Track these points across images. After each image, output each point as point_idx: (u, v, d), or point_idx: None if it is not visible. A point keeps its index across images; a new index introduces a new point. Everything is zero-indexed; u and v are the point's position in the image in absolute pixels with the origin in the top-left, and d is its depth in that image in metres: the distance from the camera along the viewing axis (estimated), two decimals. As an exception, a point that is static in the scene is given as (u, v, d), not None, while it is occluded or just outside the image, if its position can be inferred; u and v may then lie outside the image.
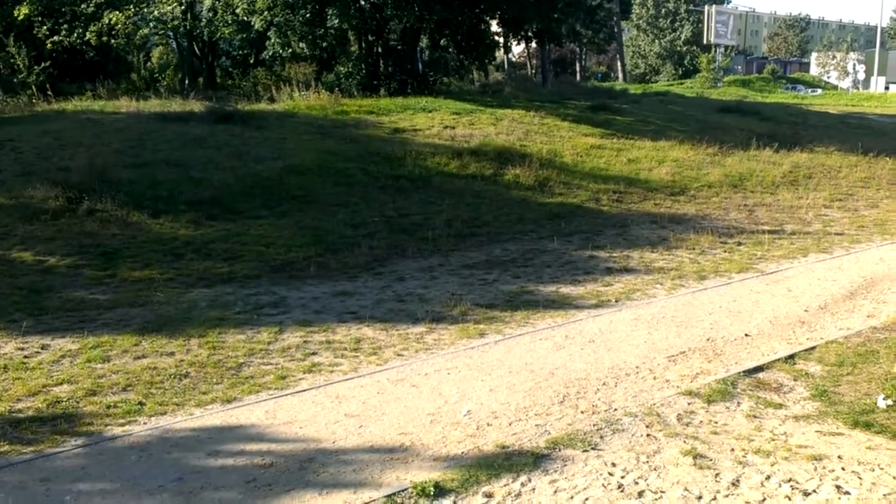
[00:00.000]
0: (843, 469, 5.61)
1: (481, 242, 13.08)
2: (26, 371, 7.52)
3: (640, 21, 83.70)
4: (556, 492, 5.34)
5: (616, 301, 10.00)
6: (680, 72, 77.72)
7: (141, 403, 6.79)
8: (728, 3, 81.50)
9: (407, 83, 26.22)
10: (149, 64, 42.20)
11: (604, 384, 7.25)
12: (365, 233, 13.07)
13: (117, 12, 31.46)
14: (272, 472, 5.65)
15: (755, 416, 6.49)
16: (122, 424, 6.41)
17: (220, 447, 6.02)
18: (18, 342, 8.26)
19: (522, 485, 5.41)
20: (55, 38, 32.24)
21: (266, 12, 23.88)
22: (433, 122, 20.93)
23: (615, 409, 6.65)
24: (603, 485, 5.42)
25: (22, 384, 7.18)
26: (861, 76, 79.48)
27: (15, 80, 27.70)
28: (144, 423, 6.44)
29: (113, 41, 32.94)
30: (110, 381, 7.26)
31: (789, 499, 5.25)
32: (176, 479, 5.54)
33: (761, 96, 54.30)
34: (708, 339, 8.53)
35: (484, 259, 12.10)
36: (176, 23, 31.90)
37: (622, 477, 5.51)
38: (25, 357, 7.89)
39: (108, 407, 6.71)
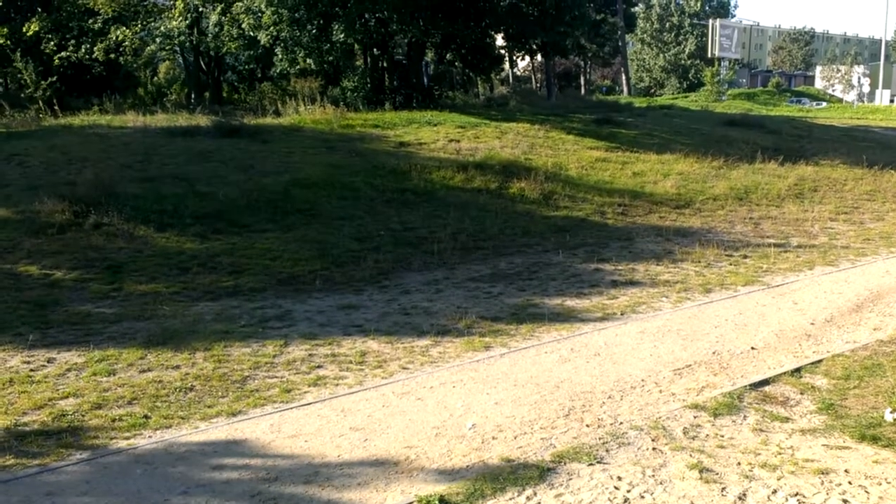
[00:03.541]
0: (850, 483, 5.58)
1: (486, 255, 13.09)
2: (32, 384, 7.53)
3: (645, 35, 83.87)
4: (561, 506, 5.32)
5: (621, 314, 9.98)
6: (684, 85, 77.79)
7: (146, 417, 6.79)
8: (732, 17, 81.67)
9: (412, 97, 26.32)
10: (155, 79, 42.46)
11: (609, 397, 7.24)
12: (370, 246, 13.09)
13: (124, 28, 31.64)
14: (277, 485, 5.64)
15: (761, 430, 6.47)
16: (128, 438, 6.42)
17: (225, 461, 6.02)
18: (24, 356, 8.28)
19: (528, 499, 5.40)
20: (63, 53, 32.43)
21: (272, 27, 24.02)
22: (438, 135, 20.98)
23: (621, 423, 6.63)
24: (609, 499, 5.40)
25: (27, 397, 7.20)
26: (866, 89, 79.50)
27: (22, 94, 27.86)
28: (150, 437, 6.44)
29: (120, 58, 33.11)
30: (116, 395, 7.27)
31: (796, 513, 5.23)
32: (181, 493, 5.54)
33: (766, 109, 54.31)
34: (714, 353, 8.51)
35: (489, 272, 12.11)
36: (182, 38, 32.07)
37: (628, 491, 5.49)
38: (31, 370, 7.90)
39: (114, 420, 6.72)
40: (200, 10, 30.33)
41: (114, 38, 31.59)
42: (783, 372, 7.82)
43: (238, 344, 8.68)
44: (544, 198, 16.86)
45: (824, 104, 69.41)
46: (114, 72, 36.17)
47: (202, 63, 36.27)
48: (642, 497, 5.41)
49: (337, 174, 16.72)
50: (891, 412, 6.64)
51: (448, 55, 29.41)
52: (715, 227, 15.73)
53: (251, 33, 25.35)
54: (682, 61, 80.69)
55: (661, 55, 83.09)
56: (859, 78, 79.32)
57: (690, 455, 5.99)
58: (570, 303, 10.50)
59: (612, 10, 56.45)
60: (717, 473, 5.71)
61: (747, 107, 53.43)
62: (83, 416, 6.83)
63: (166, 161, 16.61)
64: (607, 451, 6.10)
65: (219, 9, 27.81)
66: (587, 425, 6.60)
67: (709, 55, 66.76)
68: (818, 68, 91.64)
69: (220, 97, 35.53)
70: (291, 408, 7.04)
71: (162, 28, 31.82)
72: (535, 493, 5.46)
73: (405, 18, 24.08)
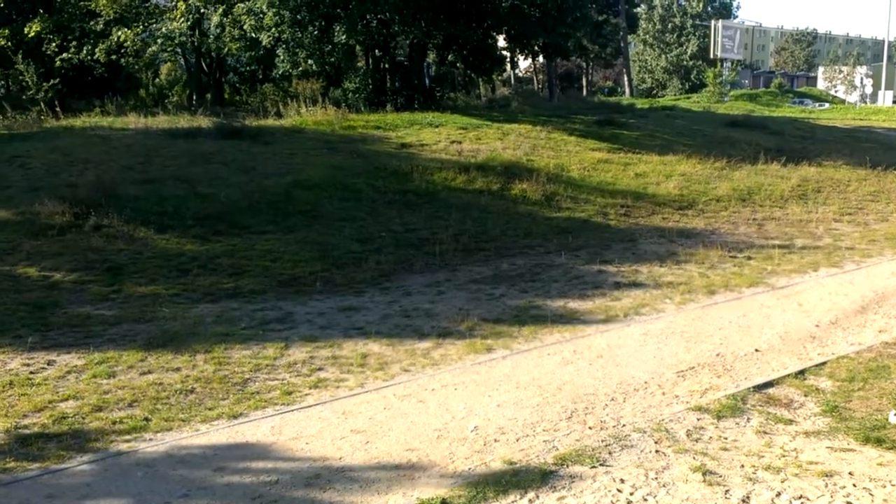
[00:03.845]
0: (854, 485, 5.54)
1: (488, 257, 13.05)
2: (32, 387, 7.51)
3: (647, 36, 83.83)
4: (564, 509, 5.29)
5: (624, 316, 9.95)
6: (686, 86, 77.70)
7: (147, 419, 6.77)
8: (734, 18, 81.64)
9: (414, 98, 26.29)
10: (157, 80, 42.41)
11: (612, 399, 7.20)
12: (372, 248, 13.06)
13: (126, 29, 31.62)
14: (278, 488, 5.61)
15: (765, 432, 6.43)
16: (128, 440, 6.39)
17: (225, 463, 5.99)
18: (24, 358, 8.26)
19: (530, 501, 5.37)
20: (64, 55, 32.42)
21: (274, 29, 24.00)
22: (440, 136, 20.97)
23: (624, 425, 6.60)
24: (611, 501, 5.36)
25: (28, 400, 7.17)
26: (868, 90, 79.35)
27: (24, 96, 27.86)
28: (150, 439, 6.42)
29: (122, 59, 33.12)
30: (116, 397, 7.24)
31: (801, 516, 5.19)
32: (182, 496, 5.51)
33: (768, 110, 54.23)
34: (717, 354, 8.47)
35: (491, 274, 12.07)
36: (183, 39, 32.04)
37: (631, 493, 5.46)
38: (31, 373, 7.88)
39: (114, 423, 6.70)
40: (202, 11, 30.31)
41: (115, 39, 31.58)
42: (787, 374, 7.79)
43: (238, 346, 8.66)
44: (546, 199, 16.83)
45: (827, 105, 69.29)
46: (115, 73, 36.16)
47: (203, 64, 36.25)
48: (645, 500, 5.38)
49: (338, 175, 16.70)
50: (895, 414, 6.60)
51: (450, 56, 29.39)
52: (718, 229, 15.69)
53: (253, 35, 25.34)
54: (685, 62, 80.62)
55: (664, 56, 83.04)
56: (862, 79, 79.19)
57: (694, 457, 5.96)
58: (573, 304, 10.46)
59: (614, 10, 56.46)
60: (721, 476, 5.68)
61: (750, 108, 53.42)
62: (83, 418, 6.80)
63: (167, 163, 16.60)
64: (610, 453, 6.07)
65: (220, 10, 27.78)
66: (590, 427, 6.56)
67: (711, 56, 66.74)
68: (821, 69, 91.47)
69: (221, 99, 35.48)
70: (292, 410, 7.01)
71: (163, 29, 31.78)
72: (538, 496, 5.42)
73: (407, 20, 24.06)
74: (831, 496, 5.41)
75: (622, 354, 8.48)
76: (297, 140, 19.80)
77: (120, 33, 31.44)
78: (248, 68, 37.89)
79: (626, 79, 66.41)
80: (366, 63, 28.99)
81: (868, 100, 76.10)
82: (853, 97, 76.14)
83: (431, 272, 12.13)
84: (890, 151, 26.96)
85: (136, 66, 35.67)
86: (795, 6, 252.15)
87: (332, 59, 25.71)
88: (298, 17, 23.58)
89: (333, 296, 10.80)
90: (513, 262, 12.82)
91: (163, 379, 7.71)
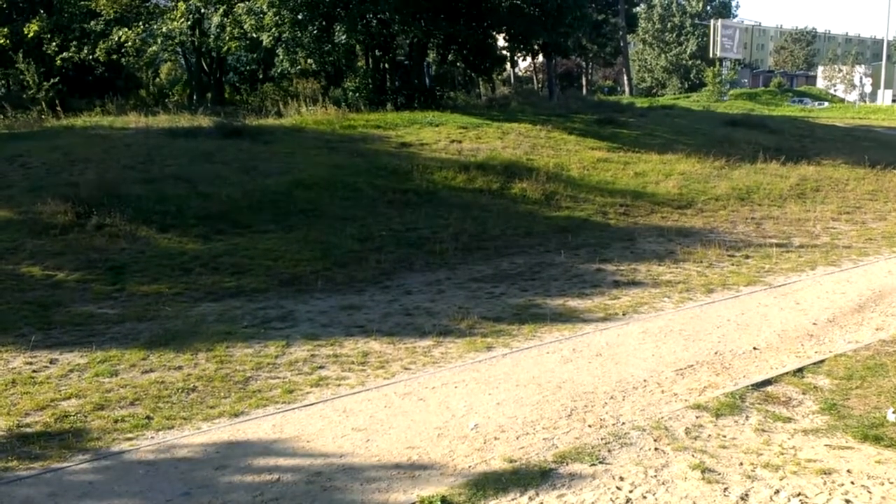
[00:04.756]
0: (852, 483, 5.57)
1: (488, 256, 13.09)
2: (34, 385, 7.54)
3: (646, 35, 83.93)
4: (563, 506, 5.32)
5: (623, 314, 9.98)
6: (686, 85, 77.82)
7: (149, 418, 6.80)
8: (734, 17, 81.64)
9: (414, 97, 26.32)
10: (157, 80, 42.46)
11: (611, 398, 7.23)
12: (372, 247, 13.10)
13: (126, 29, 31.64)
14: (279, 486, 5.64)
15: (764, 430, 6.46)
16: (130, 439, 6.42)
17: (227, 461, 6.02)
18: (27, 356, 8.29)
19: (530, 499, 5.40)
20: (64, 54, 32.44)
21: (274, 28, 24.02)
22: (440, 136, 20.99)
23: (623, 423, 6.63)
24: (611, 499, 5.40)
25: (30, 398, 7.21)
26: (868, 89, 79.46)
27: (25, 96, 27.90)
28: (152, 438, 6.45)
29: (122, 58, 33.13)
30: (118, 396, 7.27)
31: (799, 513, 5.23)
32: (183, 494, 5.54)
33: (768, 109, 54.24)
34: (716, 353, 8.50)
35: (491, 272, 12.11)
36: (184, 38, 32.06)
37: (630, 491, 5.49)
38: (34, 371, 7.91)
39: (116, 421, 6.73)
40: (202, 11, 30.33)
41: (115, 38, 31.59)
42: (785, 372, 7.82)
43: (240, 344, 8.69)
44: (546, 198, 16.87)
45: (826, 104, 69.30)
46: (116, 73, 36.23)
47: (204, 64, 36.29)
48: (644, 497, 5.41)
49: (339, 175, 16.73)
50: (893, 412, 6.64)
51: (450, 56, 29.41)
52: (717, 228, 15.73)
53: (253, 34, 25.37)
54: (684, 61, 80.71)
55: (663, 55, 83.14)
56: (861, 78, 79.28)
57: (693, 455, 5.99)
58: (572, 303, 10.50)
59: (614, 10, 56.51)
60: (720, 474, 5.71)
61: (749, 107, 53.44)
62: (85, 416, 6.83)
63: (168, 162, 16.63)
64: (609, 451, 6.10)
65: (221, 10, 27.80)
66: (589, 426, 6.60)
67: (710, 55, 66.78)
68: (820, 68, 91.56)
69: (221, 98, 35.52)
70: (294, 408, 7.04)
71: (164, 29, 31.79)
72: (538, 494, 5.46)
73: (407, 19, 24.08)
74: (830, 494, 5.44)
75: (621, 353, 8.51)
76: (297, 139, 19.83)
77: (120, 33, 31.45)
78: (248, 68, 37.94)
79: (625, 78, 66.49)
80: (366, 62, 29.00)
81: (867, 99, 76.17)
82: (852, 96, 76.22)
83: (432, 271, 12.17)
84: (889, 150, 26.98)
85: (137, 66, 35.69)
86: (795, 5, 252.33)
87: (332, 59, 25.74)
88: (299, 17, 23.59)
89: (334, 294, 10.84)
90: (512, 260, 12.86)
91: (165, 377, 7.74)
